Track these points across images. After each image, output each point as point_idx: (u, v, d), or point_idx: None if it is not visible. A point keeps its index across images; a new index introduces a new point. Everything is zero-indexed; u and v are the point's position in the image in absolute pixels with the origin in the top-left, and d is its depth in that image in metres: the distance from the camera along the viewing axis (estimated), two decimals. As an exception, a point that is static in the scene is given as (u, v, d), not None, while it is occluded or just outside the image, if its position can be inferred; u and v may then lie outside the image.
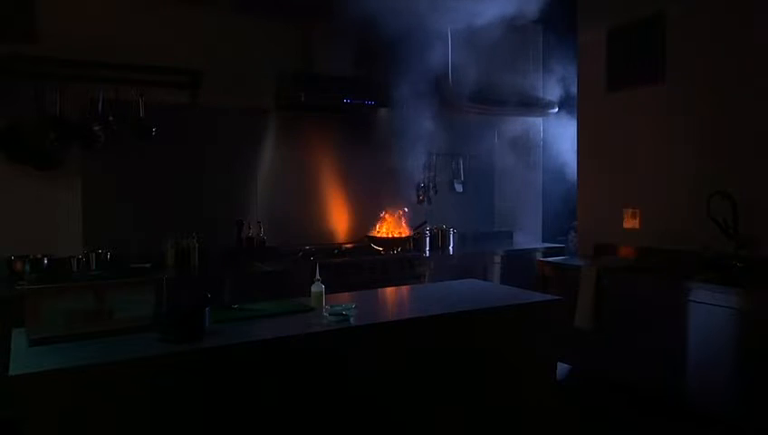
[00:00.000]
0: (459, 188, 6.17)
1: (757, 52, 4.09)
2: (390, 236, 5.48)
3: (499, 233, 6.46)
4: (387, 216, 5.60)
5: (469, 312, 3.14)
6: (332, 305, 2.91)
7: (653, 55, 4.71)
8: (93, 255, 4.27)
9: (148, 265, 4.33)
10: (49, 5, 4.25)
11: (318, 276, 3.11)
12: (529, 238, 6.57)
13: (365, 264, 5.01)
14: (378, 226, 5.57)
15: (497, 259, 5.70)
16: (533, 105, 6.28)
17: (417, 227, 5.61)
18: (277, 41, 5.09)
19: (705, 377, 3.80)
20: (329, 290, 3.14)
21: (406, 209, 5.64)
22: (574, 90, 5.56)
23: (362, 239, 5.47)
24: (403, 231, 5.55)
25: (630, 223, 4.98)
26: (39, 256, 4.11)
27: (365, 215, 5.58)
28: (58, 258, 4.19)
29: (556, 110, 6.32)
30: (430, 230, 5.70)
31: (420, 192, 5.92)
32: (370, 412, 2.81)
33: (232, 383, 2.45)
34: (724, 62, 4.28)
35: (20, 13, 4.19)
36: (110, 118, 4.33)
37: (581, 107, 5.48)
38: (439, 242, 5.75)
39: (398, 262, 5.16)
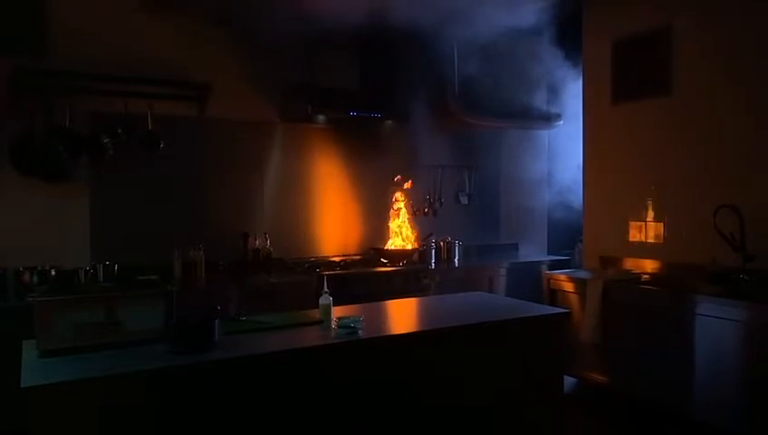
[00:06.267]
0: (465, 200, 6.18)
1: (763, 63, 4.10)
2: (396, 248, 5.49)
3: (504, 245, 6.46)
4: (393, 228, 5.61)
5: (477, 325, 3.14)
6: (340, 318, 2.92)
7: (658, 68, 4.73)
8: (101, 266, 4.28)
9: (155, 277, 4.33)
10: (58, 19, 4.29)
11: (326, 289, 3.12)
12: (534, 251, 6.57)
13: (371, 276, 5.01)
14: (384, 238, 5.58)
15: (503, 271, 5.69)
16: (539, 117, 6.29)
17: (423, 240, 5.62)
18: (283, 54, 5.13)
19: (713, 390, 3.79)
20: (334, 302, 3.14)
21: (412, 222, 5.66)
22: (580, 102, 5.58)
23: (368, 251, 5.48)
24: (409, 243, 5.56)
25: (636, 236, 4.98)
26: (47, 267, 4.12)
27: (371, 227, 5.59)
28: (66, 270, 4.21)
29: (561, 122, 6.33)
30: (436, 242, 5.70)
31: (426, 204, 5.93)
32: (377, 425, 2.81)
33: (241, 395, 2.46)
34: (730, 74, 4.29)
35: (30, 27, 4.23)
36: (119, 130, 4.36)
37: (587, 119, 5.49)
38: (445, 254, 5.76)
39: (403, 274, 5.16)
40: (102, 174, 4.46)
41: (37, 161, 4.18)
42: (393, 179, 5.66)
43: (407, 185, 5.63)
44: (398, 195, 5.66)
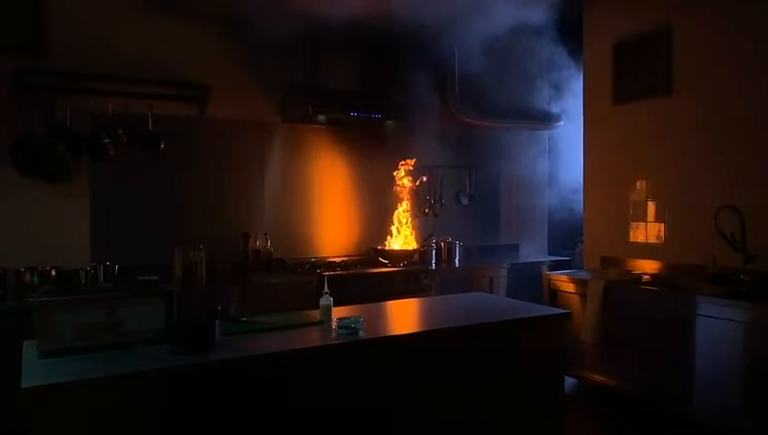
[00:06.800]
0: (465, 200, 6.18)
1: (764, 64, 4.10)
2: (397, 249, 5.48)
3: (505, 246, 6.46)
4: (393, 228, 5.61)
5: (477, 326, 3.13)
6: (340, 319, 2.92)
7: (659, 68, 4.73)
8: (101, 267, 4.29)
9: (155, 278, 4.33)
10: (59, 19, 4.29)
11: (326, 289, 3.12)
12: (535, 251, 6.57)
13: (371, 277, 5.01)
14: (384, 238, 5.58)
15: (503, 272, 5.69)
16: (540, 118, 6.29)
17: (423, 240, 5.62)
18: (284, 54, 5.13)
19: (713, 391, 3.78)
20: (335, 303, 3.13)
21: (412, 222, 5.65)
22: (581, 102, 5.58)
23: (369, 252, 5.48)
24: (409, 244, 5.55)
25: (637, 236, 4.97)
26: (48, 267, 4.13)
27: (371, 227, 5.59)
28: (66, 270, 4.21)
29: (562, 122, 6.33)
30: (436, 243, 5.70)
31: (426, 205, 5.93)
32: (378, 425, 2.80)
33: (241, 396, 2.46)
34: (731, 75, 4.29)
35: (30, 27, 4.23)
36: (120, 131, 4.35)
37: (588, 120, 5.49)
38: (445, 255, 5.76)
39: (404, 275, 5.15)
40: (103, 174, 4.46)
41: (38, 161, 4.18)
42: (398, 166, 5.65)
43: (408, 182, 5.61)
44: (401, 190, 5.65)
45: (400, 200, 5.63)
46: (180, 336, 2.49)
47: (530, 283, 5.50)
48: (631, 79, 5.01)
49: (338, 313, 3.15)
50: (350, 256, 5.46)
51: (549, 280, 5.05)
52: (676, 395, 3.99)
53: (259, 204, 5.14)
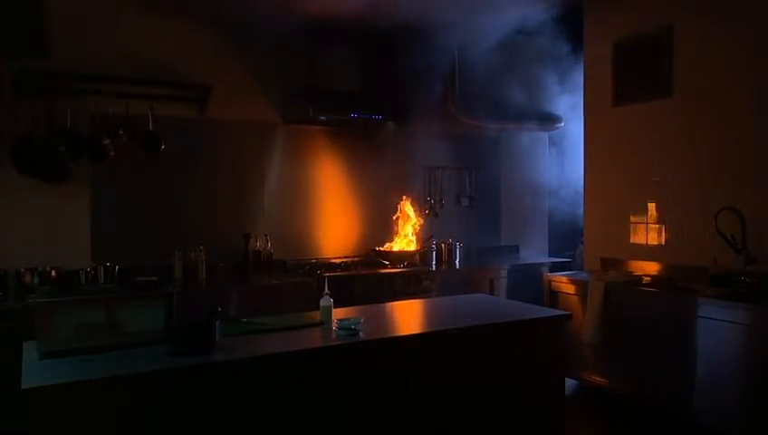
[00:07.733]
0: (465, 201, 6.17)
1: (764, 64, 4.10)
2: (397, 250, 5.48)
3: (505, 247, 6.45)
4: (393, 230, 5.61)
5: (478, 327, 3.13)
6: (341, 320, 2.92)
7: (660, 69, 4.73)
8: (102, 267, 4.29)
9: (155, 279, 4.33)
10: (60, 19, 4.29)
11: (327, 290, 3.11)
12: (535, 252, 6.56)
13: (372, 278, 5.00)
14: (384, 240, 5.57)
15: (503, 273, 5.68)
16: (540, 119, 6.29)
17: (423, 242, 5.62)
18: (285, 55, 5.13)
19: (713, 393, 3.78)
20: (335, 304, 3.14)
21: (412, 223, 5.65)
22: (581, 103, 5.57)
23: (369, 253, 5.47)
24: (410, 245, 5.55)
25: (638, 238, 4.97)
26: (48, 268, 4.12)
27: (372, 229, 5.59)
28: (66, 271, 4.21)
29: (563, 123, 6.33)
30: (437, 244, 5.70)
31: (426, 206, 5.92)
32: (378, 427, 2.80)
33: (241, 397, 2.46)
34: (731, 76, 4.29)
35: (31, 28, 4.23)
36: (120, 131, 4.36)
37: (588, 121, 5.49)
38: (445, 256, 5.75)
39: (404, 276, 5.15)
40: (103, 174, 4.46)
41: (38, 162, 4.18)
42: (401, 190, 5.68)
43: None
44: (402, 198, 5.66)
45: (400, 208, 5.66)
46: (180, 337, 2.48)
47: (530, 284, 5.48)
48: (631, 79, 5.00)
49: (338, 314, 3.15)
50: (350, 257, 5.45)
51: (549, 281, 5.05)
52: (677, 396, 3.98)
53: (259, 205, 5.14)
